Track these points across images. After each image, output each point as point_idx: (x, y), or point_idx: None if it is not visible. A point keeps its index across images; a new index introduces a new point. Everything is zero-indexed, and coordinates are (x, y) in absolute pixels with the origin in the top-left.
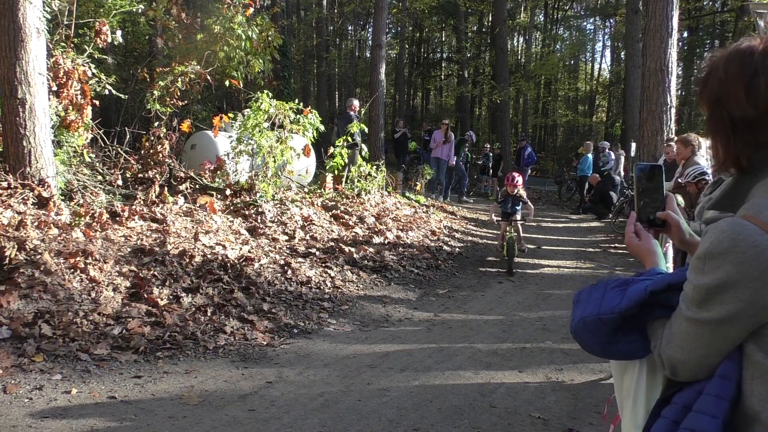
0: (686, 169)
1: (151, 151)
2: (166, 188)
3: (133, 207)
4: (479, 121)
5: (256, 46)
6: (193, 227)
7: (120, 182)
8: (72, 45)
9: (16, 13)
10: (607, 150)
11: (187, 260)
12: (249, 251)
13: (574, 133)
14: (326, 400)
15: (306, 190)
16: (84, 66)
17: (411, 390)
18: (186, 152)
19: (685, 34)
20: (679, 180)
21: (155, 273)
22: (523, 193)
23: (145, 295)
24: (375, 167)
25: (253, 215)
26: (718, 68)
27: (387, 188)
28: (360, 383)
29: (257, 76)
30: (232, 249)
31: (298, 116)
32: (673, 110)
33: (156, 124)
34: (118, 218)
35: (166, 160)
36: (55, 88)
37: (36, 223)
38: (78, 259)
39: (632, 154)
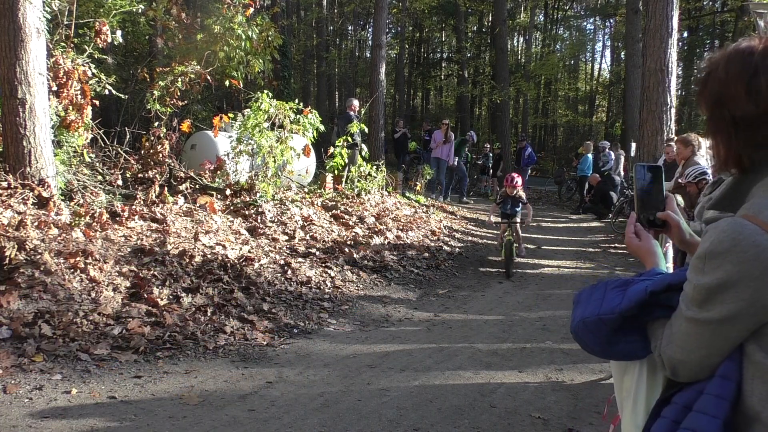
0: (686, 169)
1: (151, 151)
2: (166, 188)
3: (133, 207)
4: (479, 121)
5: (256, 46)
6: (193, 227)
7: (120, 182)
8: (72, 45)
9: (16, 13)
10: (607, 150)
11: (187, 260)
12: (249, 251)
13: (574, 133)
14: (326, 400)
15: (306, 190)
16: (84, 66)
17: (411, 390)
18: (186, 152)
19: (685, 34)
20: (679, 180)
21: (155, 273)
22: (522, 194)
23: (145, 295)
24: (375, 167)
25: (253, 215)
26: (717, 68)
27: (387, 188)
28: (360, 383)
29: (257, 76)
30: (232, 249)
31: (298, 116)
32: (673, 110)
33: (156, 124)
34: (118, 218)
35: (166, 160)
36: (55, 88)
37: (36, 223)
38: (78, 259)
39: (632, 154)
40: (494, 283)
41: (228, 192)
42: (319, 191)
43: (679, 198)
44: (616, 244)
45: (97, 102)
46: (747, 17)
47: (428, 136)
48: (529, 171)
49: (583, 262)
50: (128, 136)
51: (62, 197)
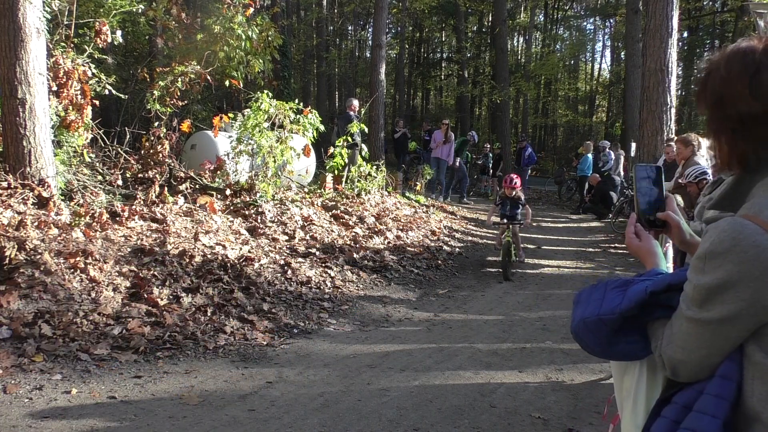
0: (686, 170)
1: (151, 151)
2: (166, 188)
3: (133, 207)
4: (479, 121)
5: (256, 46)
6: (193, 227)
7: (120, 182)
8: (72, 45)
9: (16, 13)
10: (607, 150)
11: (187, 260)
12: (249, 251)
13: (574, 133)
14: (326, 400)
15: (306, 190)
16: (84, 66)
17: (411, 390)
18: (186, 152)
19: (685, 34)
20: (680, 180)
21: (155, 273)
22: (521, 195)
23: (145, 295)
24: (375, 167)
25: (253, 215)
26: (718, 68)
27: (387, 188)
28: (360, 383)
29: (257, 76)
30: (232, 249)
31: (298, 116)
32: (673, 110)
33: (156, 124)
34: (118, 218)
35: (166, 160)
36: (55, 88)
37: (36, 223)
38: (78, 259)
39: (632, 154)
40: (494, 283)
41: (228, 192)
42: (319, 191)
43: (679, 198)
44: (616, 244)
45: (97, 102)
46: (747, 17)
47: (428, 136)
48: (529, 171)
49: (583, 262)
50: (128, 136)
51: (62, 197)
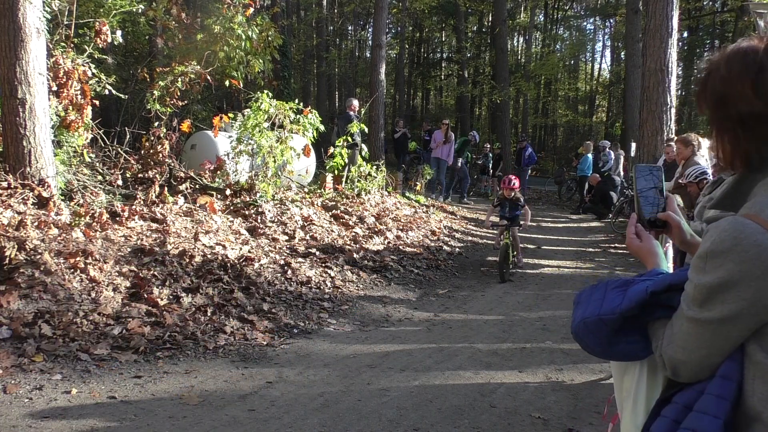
0: (686, 170)
1: (151, 151)
2: (166, 188)
3: (133, 207)
4: (479, 121)
5: (256, 46)
6: (193, 227)
7: (120, 182)
8: (72, 45)
9: (16, 13)
10: (607, 149)
11: (187, 260)
12: (249, 251)
13: (574, 133)
14: (326, 400)
15: (306, 190)
16: (84, 66)
17: (411, 390)
18: (186, 152)
19: (685, 34)
20: (680, 180)
21: (155, 273)
22: (520, 196)
23: (145, 295)
24: (375, 167)
25: (253, 215)
26: (719, 68)
27: (387, 188)
28: (360, 383)
29: (257, 76)
30: (232, 249)
31: (298, 116)
32: (673, 110)
33: (156, 124)
34: (118, 218)
35: (166, 160)
36: (55, 88)
37: (36, 223)
38: (78, 259)
39: (632, 154)
40: (494, 283)
41: (228, 192)
42: (319, 191)
43: (678, 198)
44: (616, 244)
45: (97, 102)
46: (747, 17)
47: (428, 136)
48: (529, 171)
49: (583, 262)
50: (128, 136)
51: (62, 197)
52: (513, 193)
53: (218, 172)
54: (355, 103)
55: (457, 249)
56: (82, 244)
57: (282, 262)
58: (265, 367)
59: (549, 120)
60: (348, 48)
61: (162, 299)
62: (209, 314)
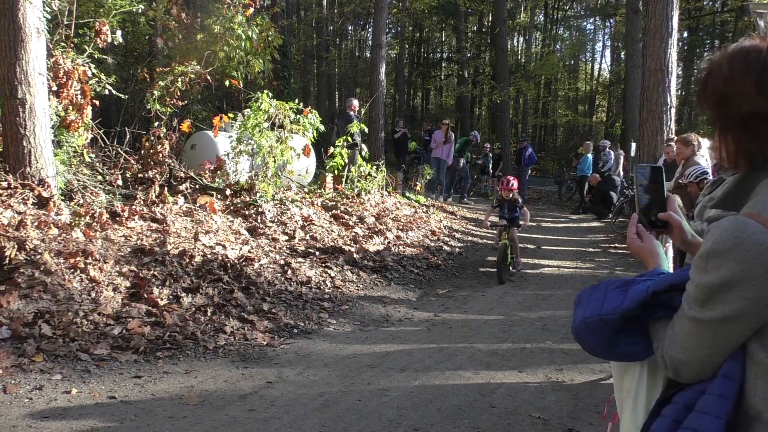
0: (686, 169)
1: (151, 151)
2: (166, 188)
3: (133, 207)
4: (479, 121)
5: (256, 46)
6: (193, 227)
7: (120, 182)
8: (72, 45)
9: (16, 13)
10: (607, 149)
11: (187, 260)
12: (249, 251)
13: (574, 133)
14: (326, 400)
15: (306, 190)
16: (84, 66)
17: (411, 390)
18: (186, 152)
19: (685, 34)
20: (680, 180)
21: (155, 273)
22: (518, 197)
23: (145, 295)
24: (375, 167)
25: (253, 215)
26: (720, 67)
27: (387, 188)
28: (360, 383)
29: (257, 76)
30: (232, 249)
31: (298, 116)
32: (673, 110)
33: (156, 124)
34: (118, 218)
35: (166, 160)
36: (55, 88)
37: (36, 223)
38: (78, 259)
39: (632, 154)
40: (494, 283)
41: (228, 192)
42: (319, 191)
43: (678, 198)
44: (616, 244)
45: (97, 102)
46: (747, 17)
47: (428, 136)
48: (530, 171)
49: (583, 262)
50: (128, 136)
51: (62, 197)
52: (511, 194)
53: (218, 172)
54: (355, 103)
55: (457, 249)
56: (82, 244)
57: (282, 262)
58: (265, 367)
59: (549, 120)
60: (348, 48)
61: (162, 299)
62: (209, 314)
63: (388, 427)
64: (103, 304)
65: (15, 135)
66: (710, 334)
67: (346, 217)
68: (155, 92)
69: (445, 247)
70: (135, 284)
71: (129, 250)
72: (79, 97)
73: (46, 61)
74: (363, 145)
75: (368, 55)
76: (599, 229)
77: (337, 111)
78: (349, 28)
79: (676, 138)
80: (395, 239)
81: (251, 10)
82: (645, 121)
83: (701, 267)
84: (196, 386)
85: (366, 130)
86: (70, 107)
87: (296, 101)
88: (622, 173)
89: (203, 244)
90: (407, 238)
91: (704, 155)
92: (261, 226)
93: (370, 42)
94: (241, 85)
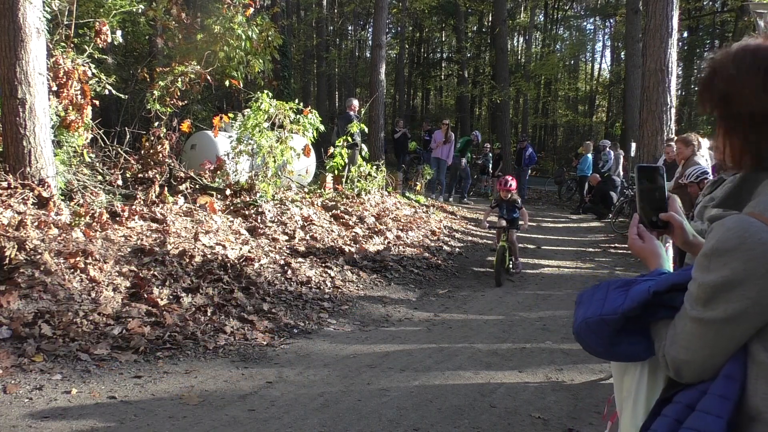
0: (686, 169)
1: (151, 151)
2: (166, 188)
3: (133, 207)
4: (479, 121)
5: (256, 46)
6: (193, 227)
7: (120, 182)
8: (72, 45)
9: (16, 13)
10: (607, 149)
11: (187, 260)
12: (249, 251)
13: (574, 133)
14: (326, 400)
15: (306, 190)
16: (84, 66)
17: (411, 390)
18: (186, 152)
19: (685, 34)
20: (680, 180)
21: (155, 273)
22: (517, 198)
23: (145, 295)
24: (375, 167)
25: (253, 215)
26: (725, 67)
27: (387, 188)
28: (360, 383)
29: (257, 76)
30: (232, 249)
31: (298, 116)
32: (673, 110)
33: (156, 124)
34: (118, 218)
35: (166, 160)
36: (55, 88)
37: (36, 223)
38: (78, 259)
39: (632, 154)
40: (494, 283)
41: (228, 192)
42: (319, 191)
43: (677, 198)
44: (616, 244)
45: (97, 102)
46: (747, 17)
47: (428, 136)
48: (530, 171)
49: (583, 262)
50: (128, 136)
51: (62, 197)
52: (510, 195)
53: (218, 172)
54: (355, 103)
55: (457, 249)
56: (82, 244)
57: (282, 262)
58: (265, 367)
59: (549, 120)
60: (348, 48)
61: (162, 299)
62: (209, 314)
63: (388, 427)
64: (103, 304)
65: (15, 135)
66: (712, 334)
67: (346, 217)
68: (155, 92)
69: (445, 247)
70: (135, 284)
71: (129, 250)
72: (79, 97)
73: (46, 61)
74: (363, 145)
75: (368, 55)
76: (599, 229)
77: (337, 111)
78: (349, 28)
79: (676, 138)
80: (395, 239)
81: (251, 10)
82: (645, 121)
83: (704, 266)
84: (196, 386)
85: (366, 130)
86: (70, 107)
87: (296, 101)
88: (622, 173)
89: (203, 244)
90: (407, 238)
91: (704, 155)
92: (261, 226)
93: (370, 42)
94: (241, 85)
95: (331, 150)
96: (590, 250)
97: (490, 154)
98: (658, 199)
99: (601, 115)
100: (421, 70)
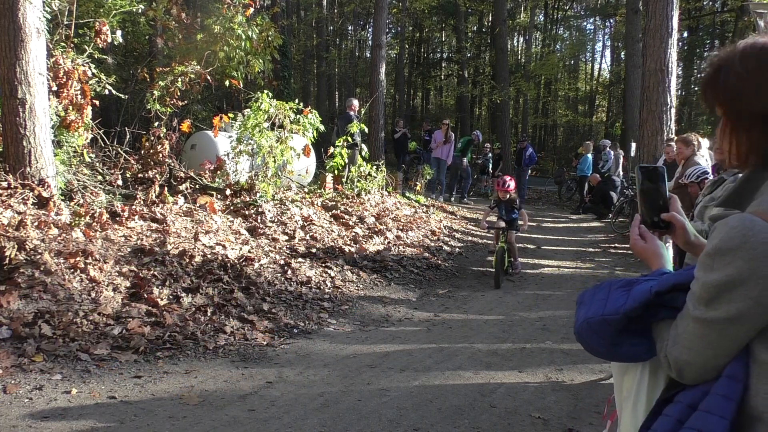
0: (687, 170)
1: (151, 151)
2: (166, 188)
3: (133, 207)
4: (479, 121)
5: (256, 46)
6: (193, 227)
7: (120, 182)
8: (72, 45)
9: (16, 13)
10: (607, 149)
11: (187, 260)
12: (249, 251)
13: (574, 133)
14: (326, 400)
15: (306, 190)
16: (84, 66)
17: (411, 390)
18: (186, 152)
19: (685, 34)
20: (680, 180)
21: (155, 273)
22: (516, 198)
23: (145, 295)
24: (375, 167)
25: (253, 215)
26: (732, 65)
27: (387, 188)
28: (360, 383)
29: (257, 76)
30: (232, 249)
31: (298, 116)
32: (673, 110)
33: (156, 124)
34: (118, 218)
35: (166, 160)
36: (55, 88)
37: (36, 223)
38: (78, 259)
39: (632, 154)
40: (494, 284)
41: (228, 192)
42: (319, 191)
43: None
44: (616, 244)
45: (97, 102)
46: (747, 17)
47: (428, 136)
48: (530, 171)
49: (583, 262)
50: (128, 136)
51: (62, 197)
52: (508, 195)
53: (218, 172)
54: (355, 103)
55: (457, 249)
56: (82, 244)
57: (282, 262)
58: (265, 367)
59: (549, 120)
60: (348, 48)
61: (162, 299)
62: (209, 314)
63: (388, 427)
64: (103, 304)
65: (15, 135)
66: (715, 334)
67: (346, 217)
68: (155, 92)
69: (445, 247)
70: (135, 284)
71: (129, 250)
72: (79, 97)
73: (46, 61)
74: (363, 145)
75: (368, 55)
76: (599, 229)
77: (337, 111)
78: (349, 28)
79: (676, 138)
80: (395, 239)
81: (251, 10)
82: (645, 121)
83: (707, 265)
84: (196, 386)
85: (366, 130)
86: (70, 107)
87: (296, 101)
88: (622, 173)
89: (203, 244)
90: (407, 238)
91: (704, 155)
92: (261, 226)
93: (370, 42)
94: (241, 85)
95: (331, 150)
96: (590, 250)
97: (490, 154)
98: (660, 199)
99: (601, 115)
100: (421, 70)
